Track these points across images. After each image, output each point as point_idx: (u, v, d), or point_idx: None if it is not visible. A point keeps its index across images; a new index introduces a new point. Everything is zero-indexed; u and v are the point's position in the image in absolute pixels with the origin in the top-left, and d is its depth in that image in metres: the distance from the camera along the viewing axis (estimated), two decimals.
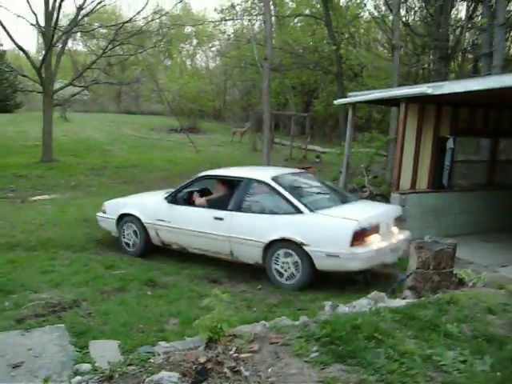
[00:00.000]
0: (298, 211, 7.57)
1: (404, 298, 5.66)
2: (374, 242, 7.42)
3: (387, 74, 22.63)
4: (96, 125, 33.63)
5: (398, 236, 8.17)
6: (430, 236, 6.29)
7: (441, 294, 5.30)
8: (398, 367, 3.59)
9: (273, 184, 7.97)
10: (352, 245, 7.13)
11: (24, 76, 22.21)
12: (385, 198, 11.82)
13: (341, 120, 24.14)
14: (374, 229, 7.47)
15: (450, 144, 10.91)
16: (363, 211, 8.06)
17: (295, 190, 8.11)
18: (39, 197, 13.78)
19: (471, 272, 6.16)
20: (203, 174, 9.08)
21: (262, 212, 7.94)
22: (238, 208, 8.03)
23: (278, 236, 7.53)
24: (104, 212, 9.52)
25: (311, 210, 7.57)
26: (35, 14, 19.67)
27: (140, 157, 22.33)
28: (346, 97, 12.89)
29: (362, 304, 5.01)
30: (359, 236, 7.19)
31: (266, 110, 16.09)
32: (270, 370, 3.49)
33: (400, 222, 8.56)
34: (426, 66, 23.84)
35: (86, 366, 3.85)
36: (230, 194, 8.43)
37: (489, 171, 12.13)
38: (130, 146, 26.11)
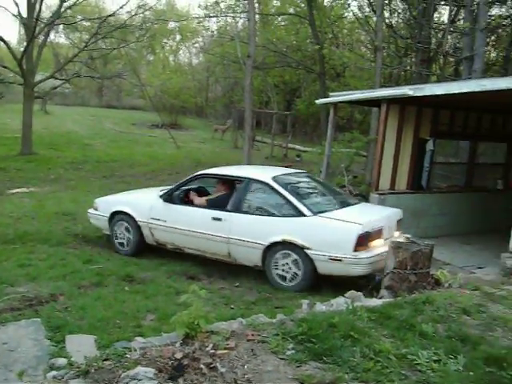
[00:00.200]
0: (301, 213, 7.40)
1: (381, 298, 5.71)
2: (377, 246, 7.26)
3: (370, 75, 22.79)
4: (77, 118, 33.38)
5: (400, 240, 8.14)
6: (407, 236, 6.36)
7: (417, 294, 5.35)
8: (373, 366, 3.62)
9: (274, 185, 7.80)
10: (356, 249, 6.98)
11: (4, 67, 21.94)
12: (364, 198, 11.88)
13: (322, 119, 24.21)
14: (378, 233, 7.34)
15: (429, 146, 10.99)
16: (367, 214, 7.92)
17: (296, 192, 7.94)
18: (17, 190, 13.65)
19: (447, 273, 6.24)
20: (201, 172, 8.87)
21: (263, 213, 7.78)
22: (238, 209, 7.88)
23: (279, 238, 7.35)
24: (96, 209, 9.27)
25: (314, 213, 7.41)
26: (17, 5, 19.49)
27: (120, 151, 22.21)
28: (328, 96, 12.94)
29: (339, 303, 5.05)
30: (363, 240, 7.04)
31: (247, 108, 16.11)
32: (246, 366, 3.50)
33: (400, 224, 8.40)
34: (408, 68, 24.00)
35: (61, 361, 3.83)
36: (229, 194, 8.32)
37: (468, 173, 12.24)
38: (111, 140, 25.94)
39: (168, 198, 8.51)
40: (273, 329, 4.11)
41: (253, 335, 3.97)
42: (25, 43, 20.83)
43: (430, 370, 3.67)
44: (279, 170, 9.09)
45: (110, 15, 22.57)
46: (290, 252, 7.31)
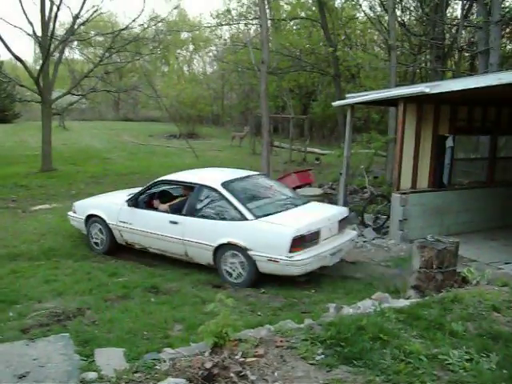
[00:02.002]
0: (244, 218, 7.97)
1: (408, 298, 5.65)
2: (313, 248, 7.77)
3: (384, 75, 22.68)
4: (95, 133, 33.67)
5: (342, 238, 8.53)
6: (432, 235, 6.30)
7: (445, 293, 5.29)
8: (404, 367, 3.59)
9: (221, 190, 8.36)
10: (291, 251, 7.48)
11: (22, 86, 22.16)
12: (386, 199, 11.83)
13: (339, 121, 24.11)
14: (314, 235, 7.84)
15: (449, 142, 10.92)
16: (305, 218, 8.29)
17: (244, 196, 8.47)
18: (40, 206, 13.77)
19: (474, 270, 6.16)
20: (159, 179, 9.49)
21: (212, 217, 8.31)
22: (191, 213, 8.49)
23: (225, 241, 7.94)
24: (74, 212, 10.12)
25: (256, 217, 7.96)
26: (31, 24, 19.63)
27: (139, 163, 22.31)
28: (343, 98, 12.89)
29: (366, 305, 5.01)
30: (297, 243, 7.54)
31: (264, 114, 16.09)
32: (276, 373, 3.48)
33: (347, 221, 9.14)
34: (423, 65, 23.86)
35: (92, 375, 3.84)
36: (186, 199, 8.86)
37: (489, 168, 12.13)
38: (129, 153, 26.10)
39: (133, 203, 9.26)
40: (301, 334, 4.09)
41: (281, 341, 3.96)
42: (40, 61, 21.02)
43: (462, 370, 3.62)
44: (234, 174, 9.43)
45: (122, 29, 22.70)
46: (236, 253, 7.90)
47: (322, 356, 3.74)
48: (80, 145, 28.02)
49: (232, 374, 3.41)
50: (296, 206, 8.80)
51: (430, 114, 10.86)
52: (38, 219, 12.11)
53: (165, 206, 9.09)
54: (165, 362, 3.69)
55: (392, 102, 11.32)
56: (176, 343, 4.87)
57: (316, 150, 26.13)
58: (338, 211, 8.96)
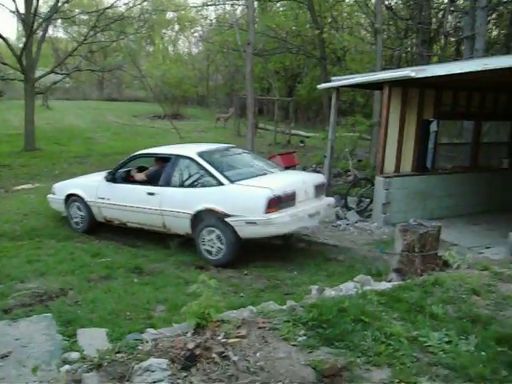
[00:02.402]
0: (220, 183, 8.11)
1: (390, 281, 5.70)
2: (290, 208, 7.91)
3: (370, 58, 22.65)
4: (79, 112, 33.36)
5: (319, 202, 8.69)
6: (414, 219, 6.35)
7: (426, 276, 5.34)
8: (384, 349, 3.62)
9: (197, 159, 8.50)
10: (267, 211, 7.62)
11: (4, 64, 21.88)
12: (369, 182, 11.88)
13: (324, 104, 24.10)
14: (290, 196, 7.98)
15: (433, 127, 10.96)
16: (280, 180, 8.53)
17: (220, 165, 8.59)
18: (23, 186, 13.67)
19: (456, 254, 6.21)
20: (137, 152, 9.62)
21: (189, 186, 8.49)
22: (168, 183, 8.64)
23: (202, 207, 8.07)
24: (54, 194, 10.19)
25: (231, 182, 8.11)
26: (14, 1, 19.39)
27: (123, 144, 22.15)
28: (329, 81, 12.88)
29: (349, 287, 5.04)
30: (273, 203, 7.68)
31: (249, 95, 16.04)
32: (258, 354, 3.50)
33: (324, 188, 9.24)
34: (409, 49, 23.88)
35: (74, 355, 3.84)
36: (162, 171, 8.92)
37: (473, 153, 12.21)
38: (114, 133, 25.92)
39: (111, 178, 9.36)
40: (283, 315, 4.11)
41: (263, 323, 3.98)
42: (24, 39, 20.77)
43: (441, 352, 3.66)
44: (208, 146, 9.64)
45: (107, 8, 22.49)
46: (213, 229, 8.01)
47: (304, 337, 3.76)
48: (63, 124, 27.77)
49: (214, 355, 3.42)
50: (271, 172, 8.94)
51: (415, 99, 10.89)
52: (21, 199, 12.03)
53: (141, 175, 9.26)
54: (147, 342, 3.70)
55: (377, 85, 11.33)
56: (159, 324, 4.89)
57: (301, 133, 26.13)
58: (314, 176, 9.29)
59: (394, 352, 3.60)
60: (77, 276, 6.96)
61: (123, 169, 9.51)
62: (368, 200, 11.45)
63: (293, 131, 25.32)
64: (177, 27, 49.45)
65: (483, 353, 3.66)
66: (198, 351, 3.44)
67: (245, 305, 4.90)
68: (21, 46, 21.46)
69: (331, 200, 9.35)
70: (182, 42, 53.53)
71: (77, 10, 26.92)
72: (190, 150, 9.01)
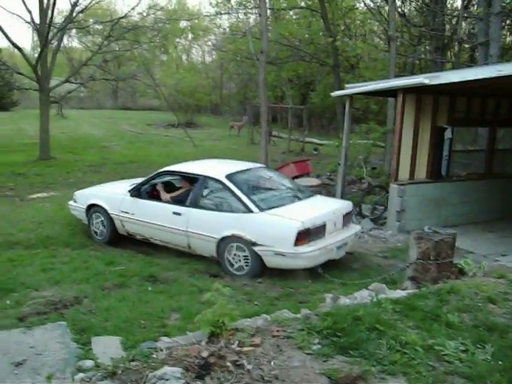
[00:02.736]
0: (249, 210, 7.89)
1: (404, 289, 5.66)
2: (319, 241, 7.73)
3: (384, 66, 22.61)
4: (93, 121, 33.60)
5: (347, 232, 8.48)
6: (429, 226, 6.31)
7: (441, 284, 5.31)
8: (400, 358, 3.60)
9: (226, 182, 8.27)
10: (296, 244, 7.42)
11: (20, 74, 22.10)
12: (384, 189, 11.83)
13: (338, 112, 24.07)
14: (320, 228, 7.79)
15: (447, 134, 10.92)
16: (311, 211, 8.24)
17: (249, 188, 8.41)
18: (38, 194, 13.75)
19: (471, 262, 6.17)
20: (163, 169, 9.37)
21: (217, 209, 8.25)
22: (195, 204, 8.40)
23: (229, 233, 7.86)
24: (75, 201, 10.04)
25: (261, 209, 7.89)
26: (30, 12, 19.56)
27: (138, 152, 22.27)
28: (342, 89, 12.87)
29: (363, 295, 5.02)
30: (303, 236, 7.48)
31: (262, 104, 16.04)
32: (272, 363, 3.49)
33: (351, 217, 9.13)
34: (423, 56, 23.80)
35: (88, 363, 3.85)
36: (190, 190, 8.76)
37: (487, 160, 12.13)
38: (128, 141, 26.04)
39: (135, 193, 9.18)
40: (297, 324, 4.10)
41: (278, 331, 3.97)
42: (39, 49, 20.93)
43: (457, 361, 3.64)
44: (237, 166, 9.35)
45: (121, 17, 22.62)
46: (241, 246, 7.79)
47: (319, 346, 3.75)
48: (78, 133, 27.95)
49: (228, 363, 3.42)
50: (300, 199, 8.74)
51: (429, 105, 10.85)
52: (36, 208, 12.09)
53: (167, 197, 9.01)
54: (161, 350, 3.70)
55: (391, 92, 11.31)
56: (173, 332, 4.89)
57: (314, 141, 26.11)
58: (343, 205, 8.87)
59: (409, 361, 3.58)
60: (91, 284, 6.98)
61: (148, 184, 9.30)
62: (382, 208, 11.40)
63: (306, 139, 25.31)
64: (190, 36, 49.74)
65: (500, 362, 3.63)
66: (212, 360, 3.43)
67: (259, 313, 4.89)
68: (36, 55, 21.67)
69: (358, 228, 9.08)
70: (195, 51, 53.81)
71: (91, 20, 27.19)
72: (219, 171, 8.75)
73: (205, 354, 3.50)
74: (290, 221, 7.64)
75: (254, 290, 7.10)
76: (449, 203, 10.89)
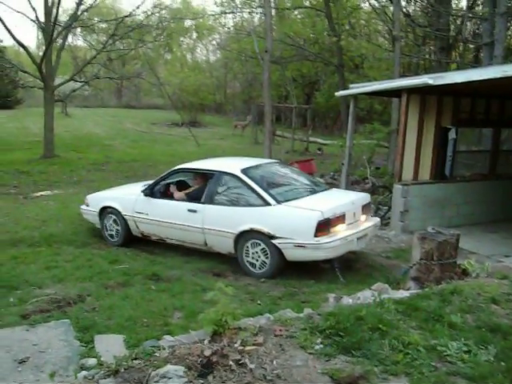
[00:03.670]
0: (266, 203, 7.78)
1: (408, 289, 5.67)
2: (340, 231, 7.63)
3: (388, 65, 22.60)
4: (97, 120, 33.64)
5: (366, 223, 8.38)
6: (433, 227, 6.30)
7: (444, 285, 5.30)
8: (402, 358, 3.60)
9: (242, 176, 8.19)
10: (316, 235, 7.32)
11: (25, 72, 22.13)
12: (387, 190, 11.82)
13: (342, 112, 24.06)
14: (340, 218, 7.66)
15: (451, 134, 10.89)
16: (329, 201, 8.15)
17: (265, 182, 8.28)
18: (42, 193, 13.78)
19: (475, 262, 6.16)
20: (177, 167, 9.29)
21: (233, 204, 8.16)
22: (211, 200, 8.29)
23: (247, 227, 7.75)
24: (87, 205, 9.85)
25: (278, 202, 7.78)
26: (35, 10, 19.64)
27: (141, 151, 22.32)
28: (347, 88, 12.86)
29: (366, 295, 5.02)
30: (323, 226, 7.38)
31: (267, 103, 16.07)
32: (274, 362, 3.50)
33: (370, 208, 8.90)
34: (427, 56, 23.77)
35: (91, 361, 3.87)
36: (204, 187, 8.65)
37: (491, 161, 12.10)
38: (132, 140, 26.10)
39: (149, 192, 9.05)
40: (300, 323, 4.10)
41: (280, 330, 3.97)
42: (43, 47, 20.98)
43: (460, 361, 3.64)
44: (251, 162, 9.28)
45: (126, 16, 22.63)
46: (259, 242, 7.70)
47: (321, 345, 3.75)
48: (82, 132, 28.02)
49: (231, 362, 3.42)
50: (317, 192, 8.64)
51: (433, 106, 10.84)
52: (40, 205, 12.13)
53: (181, 194, 8.94)
54: (164, 349, 3.71)
55: (395, 92, 11.29)
56: (176, 331, 4.90)
57: (318, 140, 26.12)
58: (361, 196, 8.78)
59: (411, 361, 3.58)
60: (94, 282, 6.99)
61: (162, 183, 9.19)
62: (386, 208, 11.39)
63: (310, 139, 25.33)
64: (195, 35, 49.72)
65: (503, 363, 3.62)
66: (214, 358, 3.44)
67: (262, 312, 4.90)
68: (40, 54, 21.70)
69: (377, 220, 8.94)
70: (199, 50, 53.76)
71: (96, 19, 27.17)
72: (234, 166, 8.68)
73: (207, 352, 3.50)
74: (310, 211, 7.55)
75: (256, 289, 7.10)
76: (452, 204, 10.87)
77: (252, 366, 3.41)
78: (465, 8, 21.42)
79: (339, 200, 8.33)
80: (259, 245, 7.69)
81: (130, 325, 5.40)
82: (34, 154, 19.73)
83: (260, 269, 7.75)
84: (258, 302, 6.47)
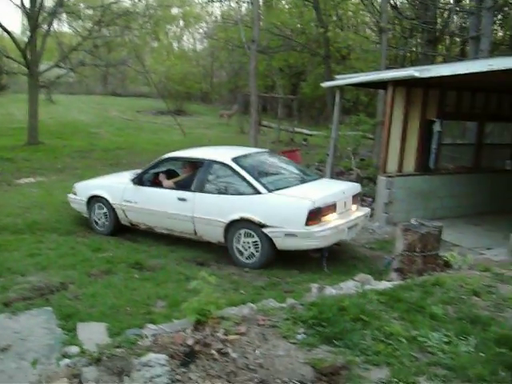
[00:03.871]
0: (257, 191, 7.79)
1: (390, 281, 5.70)
2: (331, 220, 7.66)
3: (375, 57, 22.58)
4: (82, 107, 33.38)
5: (357, 213, 8.43)
6: (416, 219, 6.35)
7: (426, 277, 5.34)
8: (384, 348, 3.63)
9: (232, 165, 8.17)
10: (307, 224, 7.34)
11: (9, 58, 21.88)
12: (372, 181, 11.87)
13: (328, 103, 24.02)
14: (330, 207, 7.70)
15: (436, 127, 10.95)
16: (320, 190, 8.20)
17: (255, 171, 8.27)
18: (25, 180, 13.68)
19: (457, 254, 6.22)
20: (167, 155, 9.23)
21: (223, 192, 8.13)
22: (201, 189, 8.26)
23: (237, 216, 7.74)
24: (75, 194, 9.76)
25: (269, 191, 7.79)
26: None
27: (127, 139, 22.19)
28: (333, 79, 12.85)
29: (349, 286, 5.05)
30: (314, 215, 7.40)
31: (253, 93, 16.05)
32: (257, 351, 3.51)
33: (359, 198, 8.94)
34: (414, 49, 23.82)
35: (74, 349, 3.86)
36: (194, 175, 8.62)
37: (476, 154, 12.19)
38: (117, 128, 25.93)
39: (138, 180, 9.03)
40: (283, 313, 4.12)
41: (263, 320, 3.98)
42: (28, 33, 20.75)
43: (440, 352, 3.67)
44: (241, 151, 9.30)
45: (112, 3, 22.47)
46: (250, 232, 7.70)
47: (304, 335, 3.77)
48: (67, 119, 27.78)
49: (213, 351, 3.43)
50: (307, 181, 8.67)
51: (419, 98, 10.87)
52: (23, 193, 12.05)
53: (169, 183, 8.91)
54: (147, 337, 3.71)
55: (381, 84, 11.31)
56: (158, 319, 4.90)
57: (304, 131, 26.09)
58: (351, 186, 8.81)
59: (393, 351, 3.61)
60: (77, 270, 6.97)
61: (151, 171, 9.17)
62: (370, 199, 11.43)
63: (296, 129, 25.30)
64: (182, 23, 49.38)
65: (482, 354, 3.66)
66: (197, 347, 3.45)
67: (245, 302, 4.90)
68: (25, 39, 21.45)
69: (367, 210, 8.97)
70: (186, 38, 53.42)
71: (82, 5, 26.87)
72: (224, 154, 8.67)
73: (190, 341, 3.51)
74: (301, 200, 7.58)
75: (240, 278, 7.13)
76: (436, 196, 10.94)
77: (234, 356, 3.42)
78: (452, 1, 21.46)
79: (330, 189, 8.39)
80: (251, 235, 7.68)
81: (112, 313, 5.39)
82: (18, 140, 19.55)
83: (248, 259, 7.76)
84: (242, 291, 6.49)
